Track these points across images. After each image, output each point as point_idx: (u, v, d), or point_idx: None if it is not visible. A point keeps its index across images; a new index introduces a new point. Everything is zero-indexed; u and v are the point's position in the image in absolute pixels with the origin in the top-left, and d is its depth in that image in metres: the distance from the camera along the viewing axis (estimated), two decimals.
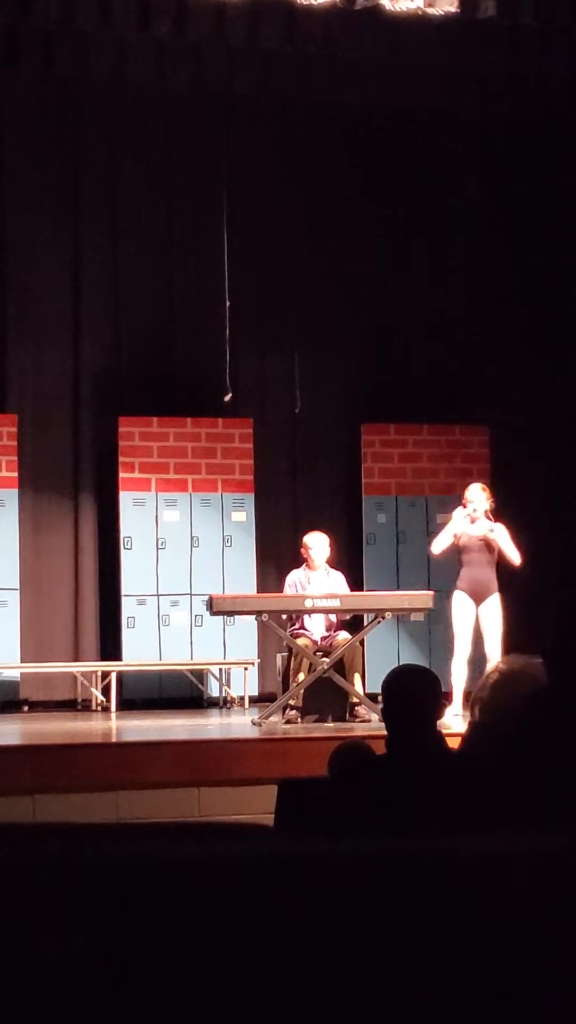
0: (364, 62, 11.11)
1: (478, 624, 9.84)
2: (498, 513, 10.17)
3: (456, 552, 10.01)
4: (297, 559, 10.47)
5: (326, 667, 9.47)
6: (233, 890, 1.08)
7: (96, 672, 11.66)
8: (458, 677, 9.66)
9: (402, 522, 12.66)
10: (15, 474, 11.80)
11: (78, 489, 12.36)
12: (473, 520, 9.97)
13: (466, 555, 9.95)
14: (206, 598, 10.32)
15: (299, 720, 9.50)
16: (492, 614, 9.80)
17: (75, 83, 11.84)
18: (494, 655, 9.69)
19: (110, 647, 12.12)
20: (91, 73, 11.26)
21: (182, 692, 11.98)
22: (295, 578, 10.16)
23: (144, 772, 7.58)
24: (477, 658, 9.82)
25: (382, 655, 11.36)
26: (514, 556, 9.93)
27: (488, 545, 9.93)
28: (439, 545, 10.04)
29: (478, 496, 10.03)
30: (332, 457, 12.94)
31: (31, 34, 10.60)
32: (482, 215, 12.96)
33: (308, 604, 9.75)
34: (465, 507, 10.04)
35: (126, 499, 12.09)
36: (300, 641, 9.73)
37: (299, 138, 12.77)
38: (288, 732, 9.05)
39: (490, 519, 10.04)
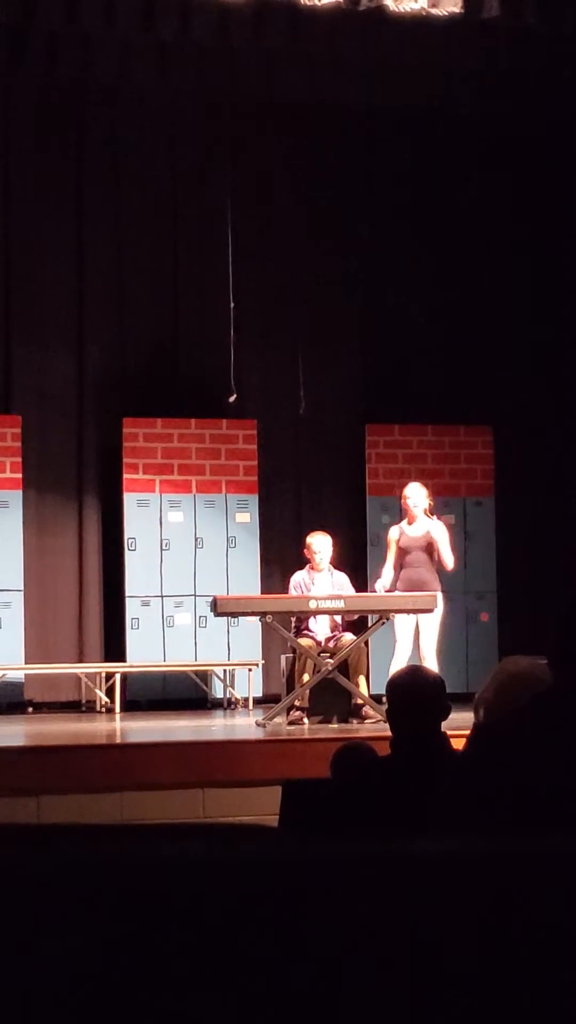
0: (367, 63, 11.11)
1: (417, 624, 9.93)
2: (437, 511, 10.29)
3: (399, 555, 10.06)
4: (301, 560, 10.46)
5: (330, 668, 9.47)
6: (237, 892, 1.07)
7: (100, 673, 11.66)
8: None
9: None
10: (19, 475, 11.81)
11: (82, 490, 12.36)
12: (412, 520, 10.03)
13: (406, 556, 10.00)
14: (210, 599, 10.32)
15: (303, 721, 9.49)
16: (429, 613, 9.85)
17: (79, 85, 11.85)
18: (429, 655, 9.80)
19: (114, 648, 12.12)
20: (95, 74, 11.28)
21: (186, 693, 11.97)
22: (299, 579, 10.16)
23: (148, 773, 7.58)
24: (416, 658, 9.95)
25: (386, 657, 11.36)
26: (448, 558, 10.00)
27: (428, 545, 9.98)
28: (388, 565, 10.09)
29: (418, 494, 10.07)
30: (336, 458, 12.93)
31: (36, 35, 10.61)
32: (486, 215, 12.97)
33: (312, 605, 9.74)
34: (404, 507, 10.11)
35: (130, 500, 12.10)
36: (304, 642, 9.73)
37: (303, 139, 12.78)
38: (292, 733, 9.05)
39: (429, 517, 10.08)
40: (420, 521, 10.06)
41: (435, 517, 10.20)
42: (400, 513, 10.59)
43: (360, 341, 12.93)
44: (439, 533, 10.05)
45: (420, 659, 9.84)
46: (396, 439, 12.73)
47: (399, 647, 9.96)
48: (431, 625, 9.94)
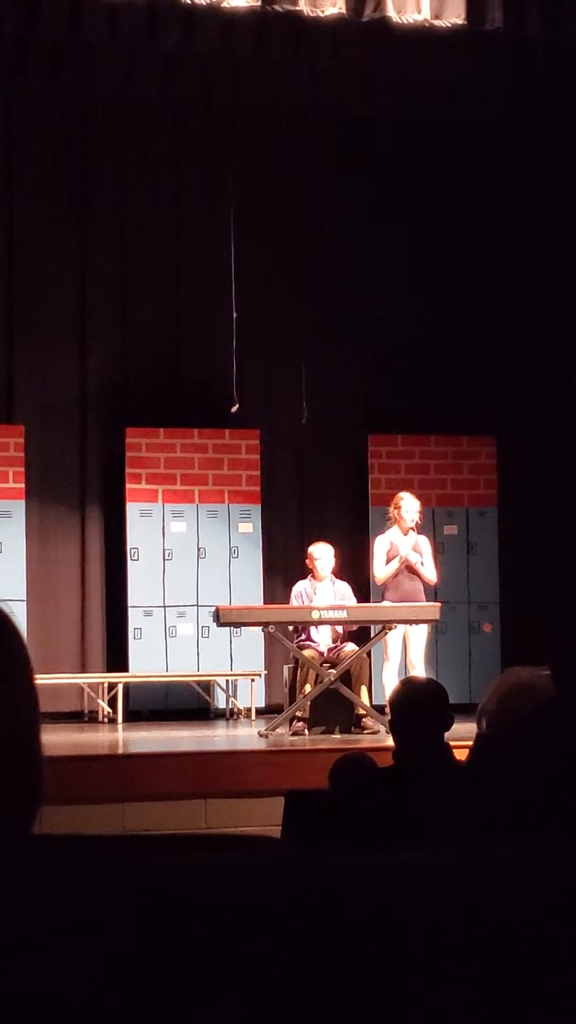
0: (371, 74, 11.13)
1: (406, 634, 9.93)
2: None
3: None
4: (303, 570, 10.46)
5: (333, 679, 9.46)
6: (239, 903, 1.07)
7: (102, 683, 11.65)
8: (390, 687, 9.68)
9: None
10: (22, 485, 11.81)
11: (85, 500, 12.36)
12: (405, 531, 10.01)
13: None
14: (213, 609, 10.31)
15: (306, 732, 9.48)
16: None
17: (82, 94, 11.87)
18: (418, 663, 9.81)
19: (116, 658, 12.12)
20: (98, 84, 11.30)
21: (189, 703, 11.96)
22: (301, 589, 10.15)
23: (150, 784, 7.57)
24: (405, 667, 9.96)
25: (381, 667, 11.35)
26: (431, 572, 9.98)
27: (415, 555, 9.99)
28: (382, 571, 10.01)
29: (413, 506, 10.05)
30: (339, 468, 12.93)
31: (39, 45, 10.63)
32: (489, 226, 12.97)
33: (315, 615, 9.73)
34: (396, 517, 10.05)
35: (133, 510, 12.09)
36: (306, 652, 9.72)
37: (306, 149, 12.79)
38: (295, 744, 9.04)
39: (414, 531, 10.07)
40: (410, 533, 10.05)
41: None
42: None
43: (363, 351, 12.93)
44: (425, 547, 10.05)
45: (409, 668, 9.85)
46: (399, 449, 12.73)
47: (389, 656, 9.95)
48: (420, 635, 9.94)
